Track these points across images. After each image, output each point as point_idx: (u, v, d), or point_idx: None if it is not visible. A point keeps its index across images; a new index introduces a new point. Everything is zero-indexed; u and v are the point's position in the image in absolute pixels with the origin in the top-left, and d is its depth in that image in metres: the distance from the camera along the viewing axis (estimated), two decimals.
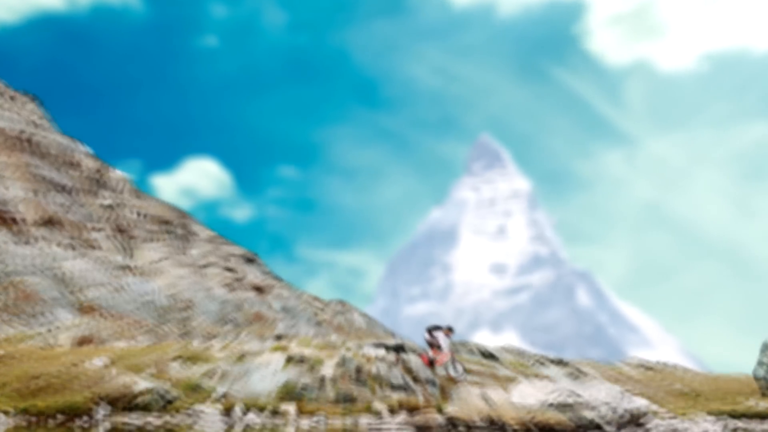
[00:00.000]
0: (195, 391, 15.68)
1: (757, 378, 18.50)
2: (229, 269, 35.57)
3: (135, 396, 14.90)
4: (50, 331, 23.20)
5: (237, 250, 38.93)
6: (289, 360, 16.72)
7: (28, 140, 35.16)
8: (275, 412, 14.96)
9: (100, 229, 33.17)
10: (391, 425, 14.81)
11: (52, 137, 37.17)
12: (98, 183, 36.48)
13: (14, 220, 30.19)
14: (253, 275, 36.42)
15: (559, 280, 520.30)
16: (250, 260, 38.43)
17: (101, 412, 14.48)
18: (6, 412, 14.10)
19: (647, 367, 22.47)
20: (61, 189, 34.01)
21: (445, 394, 16.11)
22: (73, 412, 14.36)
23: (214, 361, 17.07)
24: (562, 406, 15.18)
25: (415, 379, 16.43)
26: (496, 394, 15.78)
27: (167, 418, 14.61)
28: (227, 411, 14.97)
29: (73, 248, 30.36)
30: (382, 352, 17.38)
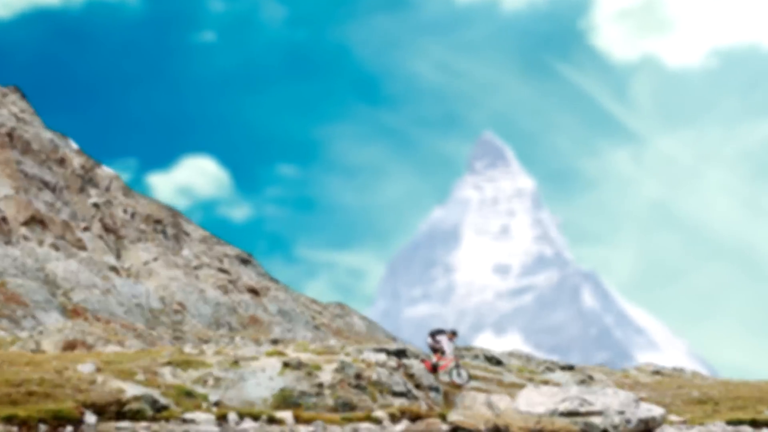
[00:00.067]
0: (187, 398, 15.55)
1: None
2: (223, 270, 35.47)
3: (124, 403, 14.74)
4: (34, 335, 23.08)
5: (231, 250, 38.83)
6: (286, 365, 16.62)
7: (11, 135, 35.01)
8: (271, 420, 14.87)
9: (87, 229, 33.06)
10: None
11: (37, 132, 37.04)
12: (86, 180, 36.37)
13: None
14: (247, 277, 36.32)
15: (564, 281, 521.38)
16: (244, 261, 38.34)
17: (89, 420, 14.35)
18: None
19: (661, 373, 22.41)
20: (47, 186, 33.90)
21: (448, 401, 16.08)
22: (58, 421, 14.21)
23: (207, 366, 16.93)
24: (572, 414, 15.10)
25: (418, 386, 16.40)
26: (502, 401, 15.73)
27: (158, 426, 14.50)
28: (221, 419, 14.83)
29: (60, 248, 30.25)
30: (382, 357, 17.35)
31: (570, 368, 19.35)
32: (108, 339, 24.01)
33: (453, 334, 17.53)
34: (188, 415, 14.92)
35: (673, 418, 16.56)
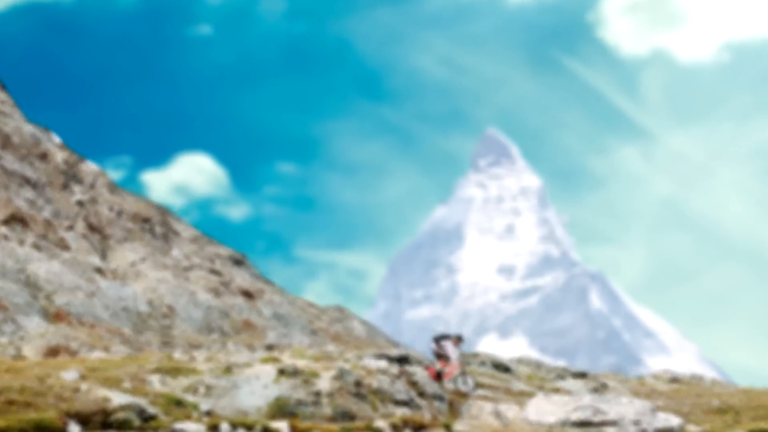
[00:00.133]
0: (177, 407, 15.41)
1: None
2: (215, 272, 35.32)
3: (110, 413, 14.57)
4: (14, 341, 22.95)
5: (224, 250, 38.69)
6: (282, 373, 16.49)
7: None
8: (266, 431, 14.72)
9: (71, 228, 32.89)
10: None
11: (18, 125, 36.86)
12: (69, 176, 36.19)
13: None
14: (241, 278, 36.17)
15: (571, 282, 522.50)
16: (238, 262, 38.19)
17: (72, 430, 14.27)
18: None
19: (679, 380, 22.40)
20: (28, 183, 33.71)
21: (453, 410, 16.04)
22: (40, 431, 14.12)
23: (197, 373, 16.83)
24: (585, 424, 15.08)
25: (421, 394, 16.33)
26: (510, 410, 15.73)
27: None
28: (213, 429, 14.67)
29: (42, 249, 30.07)
30: (384, 363, 17.30)
31: (582, 375, 19.31)
32: (93, 344, 23.90)
33: (458, 340, 17.47)
34: (178, 425, 14.81)
35: (691, 428, 16.47)
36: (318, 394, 15.79)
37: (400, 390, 16.18)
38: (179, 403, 15.59)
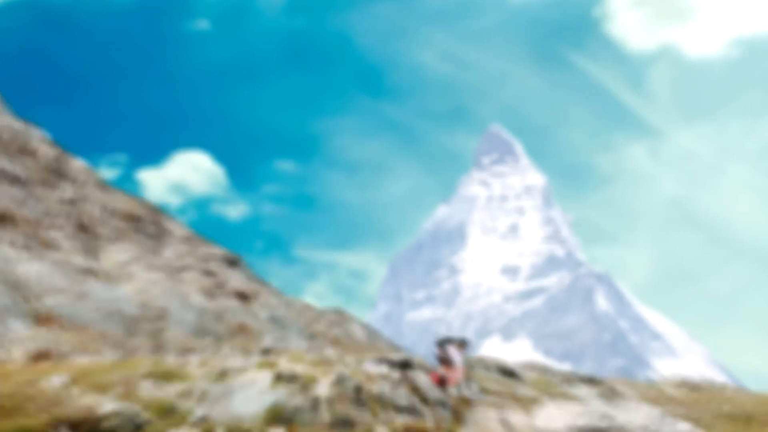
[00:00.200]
0: (169, 413, 15.42)
1: None
2: (209, 273, 35.28)
3: (100, 419, 14.58)
4: (2, 344, 22.94)
5: (217, 251, 38.67)
6: (278, 378, 16.48)
7: None
8: None
9: (59, 227, 32.86)
10: None
11: (5, 121, 36.84)
12: (57, 174, 36.16)
13: None
14: (236, 280, 36.14)
15: (577, 283, 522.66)
16: (232, 263, 38.17)
17: None
18: None
19: (691, 386, 22.41)
20: (14, 180, 33.70)
21: (458, 417, 16.00)
22: None
23: (191, 379, 16.86)
24: (594, 431, 15.03)
25: (424, 400, 16.26)
26: (516, 417, 15.72)
27: None
28: None
29: (28, 249, 30.05)
30: (385, 368, 17.29)
31: (591, 380, 19.30)
32: (82, 348, 23.89)
33: (462, 344, 17.41)
34: None
35: None
36: (316, 400, 15.73)
37: (402, 396, 16.15)
38: (172, 409, 15.57)
